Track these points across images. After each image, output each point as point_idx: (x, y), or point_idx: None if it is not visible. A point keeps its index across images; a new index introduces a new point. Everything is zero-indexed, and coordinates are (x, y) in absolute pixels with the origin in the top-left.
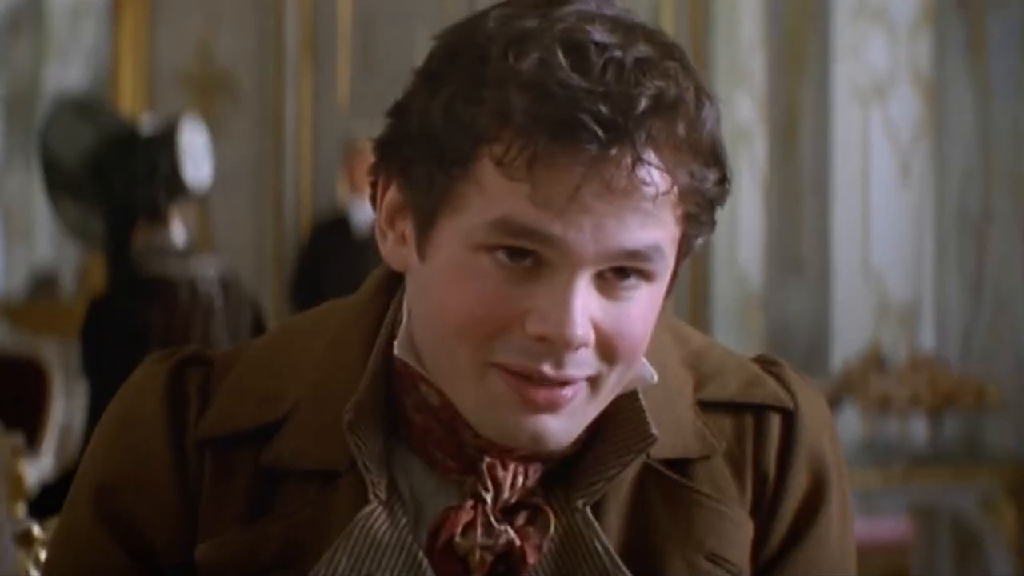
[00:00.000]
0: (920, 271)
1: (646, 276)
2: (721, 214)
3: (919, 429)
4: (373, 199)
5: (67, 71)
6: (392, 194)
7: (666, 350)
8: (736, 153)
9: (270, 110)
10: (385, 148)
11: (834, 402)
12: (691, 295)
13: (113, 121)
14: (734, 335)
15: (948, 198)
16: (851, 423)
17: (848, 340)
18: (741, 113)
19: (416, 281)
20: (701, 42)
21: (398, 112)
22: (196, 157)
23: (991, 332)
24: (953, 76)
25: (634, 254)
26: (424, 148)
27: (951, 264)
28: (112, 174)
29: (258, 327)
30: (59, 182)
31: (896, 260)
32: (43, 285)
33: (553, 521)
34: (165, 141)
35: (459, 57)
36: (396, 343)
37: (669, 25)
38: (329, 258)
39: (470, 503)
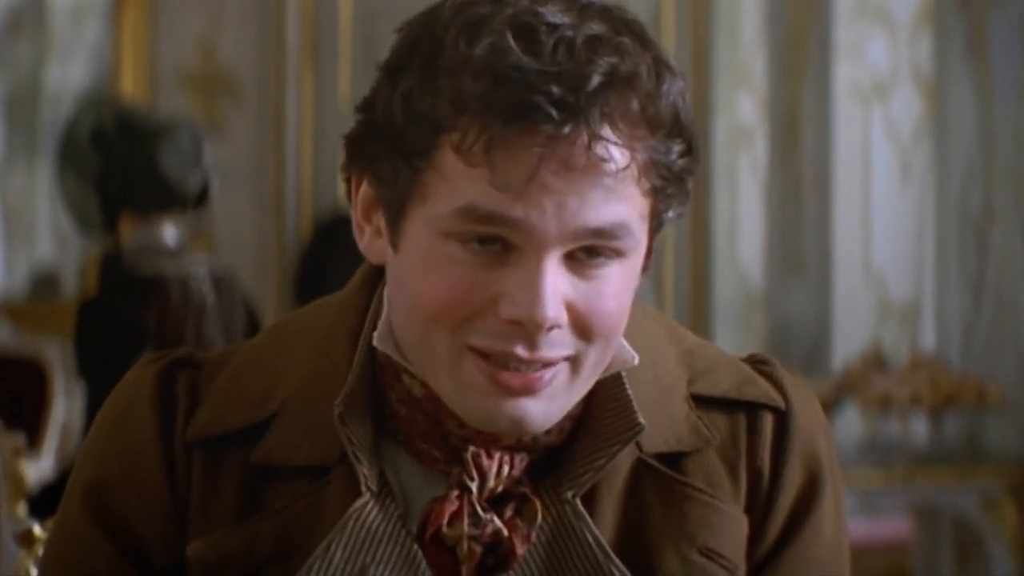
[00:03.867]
0: (921, 271)
1: (616, 253)
2: (722, 213)
3: (920, 429)
4: (349, 195)
5: (68, 71)
6: (364, 189)
7: (660, 345)
8: (737, 153)
9: (271, 109)
10: (353, 144)
11: (835, 402)
12: (691, 295)
13: (127, 112)
14: (735, 335)
15: (949, 198)
16: (852, 423)
17: (849, 340)
18: (742, 113)
19: (393, 272)
20: (702, 42)
21: (364, 107)
22: (182, 160)
23: (992, 332)
24: (954, 76)
25: (599, 232)
26: (388, 141)
27: (952, 264)
28: (102, 156)
29: (252, 324)
30: (68, 151)
31: (897, 260)
32: (44, 285)
33: (541, 511)
34: (151, 137)
35: (417, 48)
36: (375, 335)
37: (670, 25)
38: (331, 257)
39: (455, 493)
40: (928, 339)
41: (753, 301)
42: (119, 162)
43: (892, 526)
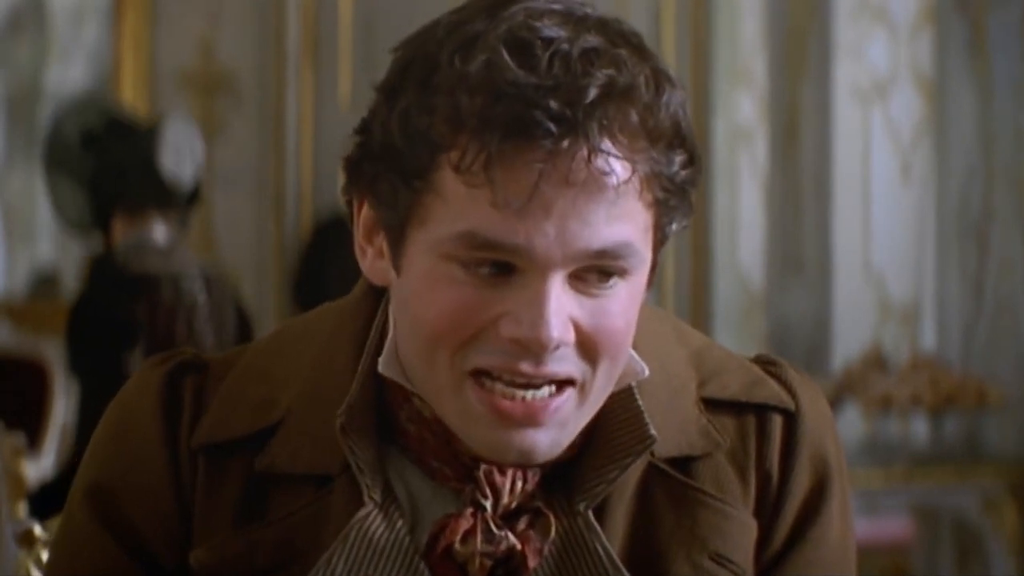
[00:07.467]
0: (921, 271)
1: (622, 272)
2: (721, 214)
3: (920, 429)
4: (351, 217)
5: (68, 71)
6: (366, 211)
7: (669, 348)
8: (737, 153)
9: (271, 110)
10: (353, 166)
11: (835, 402)
12: (691, 295)
13: (116, 112)
14: (735, 335)
15: (949, 198)
16: (852, 423)
17: (849, 340)
18: (742, 113)
19: (396, 295)
20: (701, 42)
21: (363, 130)
22: (179, 156)
23: (992, 332)
24: (954, 76)
25: (603, 253)
26: (386, 163)
27: (952, 264)
28: (94, 157)
29: (242, 323)
30: (57, 155)
31: (897, 260)
32: (44, 284)
33: (554, 524)
34: (144, 135)
35: (412, 68)
36: (381, 360)
37: (669, 25)
38: (331, 258)
39: (470, 510)
40: (928, 339)
41: (753, 301)
42: (113, 161)
43: (892, 526)
